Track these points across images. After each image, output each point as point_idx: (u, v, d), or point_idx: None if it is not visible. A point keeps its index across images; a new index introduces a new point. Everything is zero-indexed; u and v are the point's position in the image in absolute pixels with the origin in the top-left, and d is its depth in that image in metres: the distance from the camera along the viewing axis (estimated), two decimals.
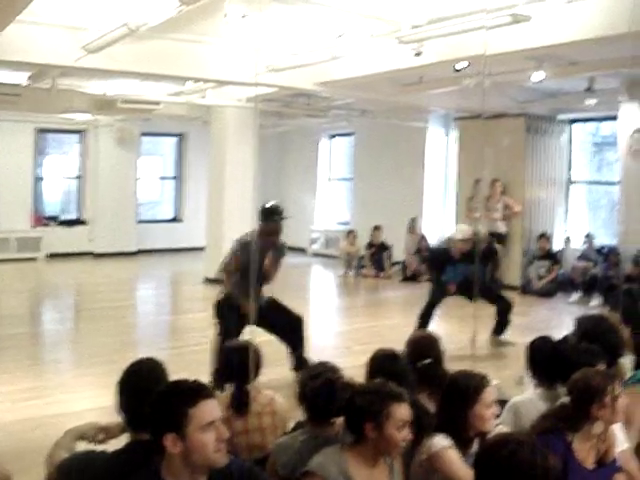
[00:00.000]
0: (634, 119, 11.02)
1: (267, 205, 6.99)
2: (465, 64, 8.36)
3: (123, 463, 2.67)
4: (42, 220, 15.34)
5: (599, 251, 11.97)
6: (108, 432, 3.22)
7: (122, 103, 10.98)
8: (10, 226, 14.34)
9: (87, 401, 5.98)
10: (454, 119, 13.36)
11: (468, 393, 3.16)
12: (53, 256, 14.90)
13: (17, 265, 13.98)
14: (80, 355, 7.79)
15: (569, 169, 13.03)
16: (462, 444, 3.17)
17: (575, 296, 11.54)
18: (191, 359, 7.30)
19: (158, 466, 2.46)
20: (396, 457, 3.00)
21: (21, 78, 10.01)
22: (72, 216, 16.08)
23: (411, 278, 13.26)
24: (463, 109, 12.22)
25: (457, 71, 8.55)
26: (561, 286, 12.06)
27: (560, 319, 10.11)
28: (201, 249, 14.36)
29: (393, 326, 9.62)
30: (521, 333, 8.72)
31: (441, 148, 14.17)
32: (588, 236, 12.17)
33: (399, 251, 13.82)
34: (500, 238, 12.40)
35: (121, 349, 7.76)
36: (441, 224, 14.16)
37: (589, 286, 11.45)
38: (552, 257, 12.27)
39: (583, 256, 12.01)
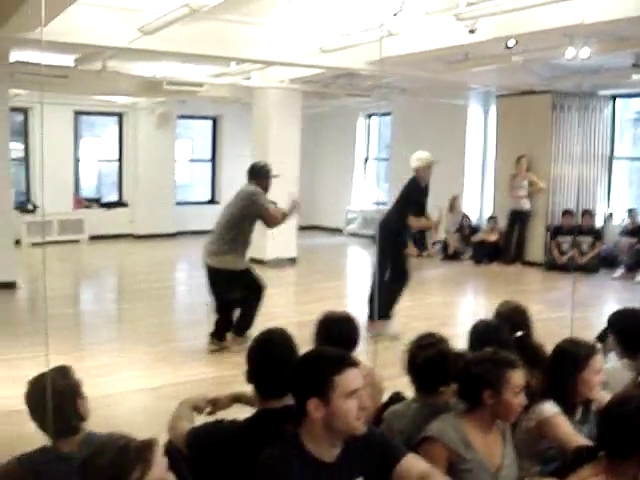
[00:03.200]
0: None
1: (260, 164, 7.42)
2: (514, 42, 8.41)
3: (255, 431, 2.76)
4: (83, 202, 15.49)
5: None
6: (217, 404, 3.31)
7: (168, 85, 11.03)
8: (53, 209, 14.45)
9: (161, 378, 6.10)
10: (496, 96, 13.30)
11: (579, 359, 3.23)
12: (95, 238, 15.05)
13: (60, 247, 14.11)
14: (139, 334, 7.80)
15: (611, 145, 12.98)
16: (567, 411, 3.23)
17: (619, 272, 11.54)
18: None
19: (298, 431, 2.54)
20: (511, 422, 3.07)
21: (67, 60, 10.11)
22: (112, 198, 16.24)
23: (452, 257, 13.31)
24: (505, 86, 12.19)
25: (508, 48, 8.56)
26: (603, 262, 12.08)
27: (607, 295, 10.20)
28: None
29: (442, 303, 9.71)
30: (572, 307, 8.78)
31: (480, 126, 14.14)
32: (631, 212, 12.13)
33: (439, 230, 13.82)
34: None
35: (178, 328, 7.90)
36: (481, 202, 14.19)
37: (635, 262, 11.45)
38: (595, 233, 12.26)
39: (626, 232, 11.98)
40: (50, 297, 10.36)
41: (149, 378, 6.06)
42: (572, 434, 3.10)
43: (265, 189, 7.14)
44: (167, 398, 5.40)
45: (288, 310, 9.09)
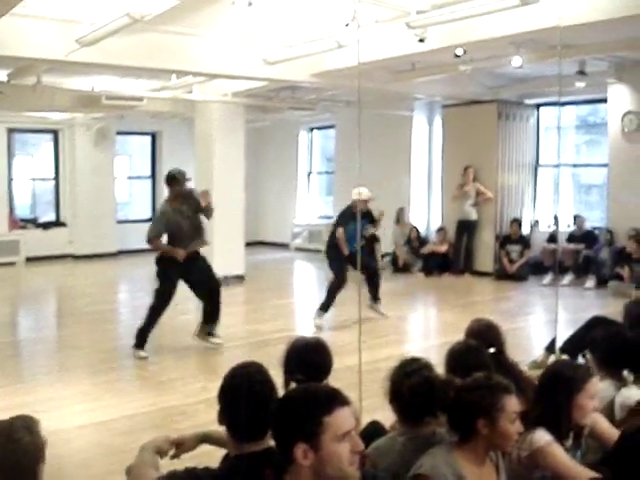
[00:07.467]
0: (623, 101, 11.06)
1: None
2: (462, 50, 8.33)
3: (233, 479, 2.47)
4: (19, 223, 14.91)
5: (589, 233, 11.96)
6: (181, 445, 3.00)
7: (107, 100, 10.63)
8: None
9: (111, 410, 5.69)
10: (442, 106, 13.24)
11: (574, 383, 3.02)
12: (32, 259, 14.48)
13: None
14: (83, 363, 7.33)
15: (536, 152, 13.10)
16: (559, 437, 3.03)
17: (547, 278, 11.57)
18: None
19: (282, 479, 2.27)
20: (505, 452, 2.86)
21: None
22: (48, 218, 15.67)
23: (402, 269, 13.17)
24: (451, 96, 12.13)
25: (457, 57, 8.48)
26: (532, 269, 12.17)
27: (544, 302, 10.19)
28: None
29: (397, 318, 9.52)
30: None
31: (425, 136, 14.05)
32: (577, 217, 12.10)
33: (387, 243, 13.67)
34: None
35: (123, 354, 7.49)
36: (428, 214, 14.09)
37: (582, 268, 11.47)
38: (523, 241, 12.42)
39: (572, 238, 11.93)
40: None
41: (98, 411, 5.63)
42: (570, 463, 2.90)
43: (175, 196, 7.71)
44: (120, 433, 5.06)
45: (240, 330, 8.76)
